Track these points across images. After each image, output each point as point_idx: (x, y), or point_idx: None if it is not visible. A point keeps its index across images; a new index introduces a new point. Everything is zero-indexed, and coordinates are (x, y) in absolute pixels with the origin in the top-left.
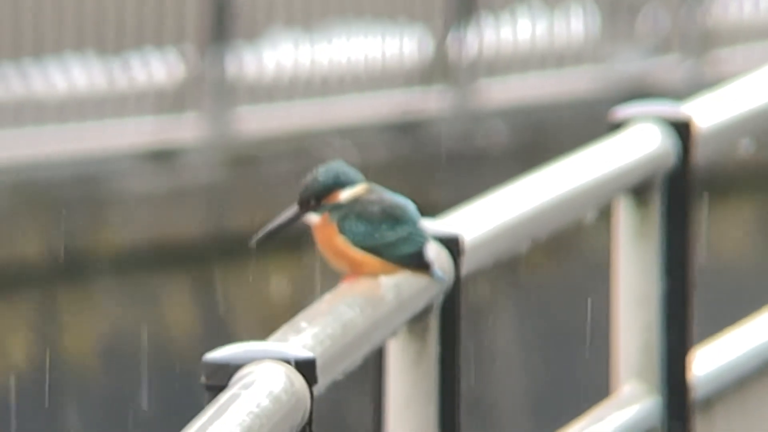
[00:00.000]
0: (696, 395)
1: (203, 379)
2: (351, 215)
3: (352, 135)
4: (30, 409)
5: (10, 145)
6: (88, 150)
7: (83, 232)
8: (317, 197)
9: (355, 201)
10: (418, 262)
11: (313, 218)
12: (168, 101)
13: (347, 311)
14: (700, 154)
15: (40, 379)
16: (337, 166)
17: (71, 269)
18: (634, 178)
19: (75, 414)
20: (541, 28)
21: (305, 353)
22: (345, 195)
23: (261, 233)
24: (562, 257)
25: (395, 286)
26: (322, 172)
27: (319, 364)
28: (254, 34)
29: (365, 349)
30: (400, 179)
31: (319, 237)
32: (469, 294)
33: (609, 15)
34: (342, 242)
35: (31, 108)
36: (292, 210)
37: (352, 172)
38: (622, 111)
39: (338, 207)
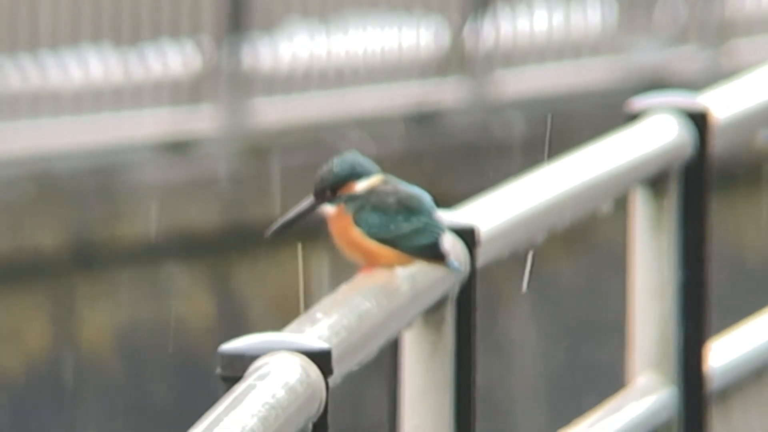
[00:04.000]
0: (712, 387)
1: (219, 370)
2: (366, 207)
3: (368, 126)
4: (46, 399)
5: (26, 136)
6: (105, 141)
7: (100, 223)
8: (332, 188)
9: (370, 192)
10: (433, 253)
11: (328, 209)
12: (184, 92)
13: (363, 302)
14: (717, 145)
15: (57, 370)
16: (352, 157)
17: (88, 260)
18: (650, 169)
19: (91, 404)
20: (557, 18)
21: (321, 344)
22: (360, 186)
23: (276, 225)
24: (579, 248)
25: (411, 278)
26: (337, 163)
27: (334, 355)
28: (270, 25)
29: (381, 340)
30: (416, 170)
31: (334, 228)
32: (485, 284)
33: (626, 5)
34: (357, 234)
35: (48, 99)
36: (308, 201)
37: (367, 164)
38: (639, 102)
39: (353, 198)
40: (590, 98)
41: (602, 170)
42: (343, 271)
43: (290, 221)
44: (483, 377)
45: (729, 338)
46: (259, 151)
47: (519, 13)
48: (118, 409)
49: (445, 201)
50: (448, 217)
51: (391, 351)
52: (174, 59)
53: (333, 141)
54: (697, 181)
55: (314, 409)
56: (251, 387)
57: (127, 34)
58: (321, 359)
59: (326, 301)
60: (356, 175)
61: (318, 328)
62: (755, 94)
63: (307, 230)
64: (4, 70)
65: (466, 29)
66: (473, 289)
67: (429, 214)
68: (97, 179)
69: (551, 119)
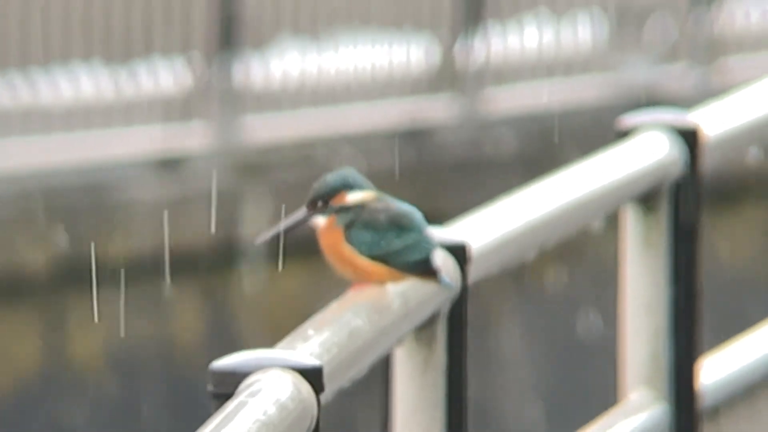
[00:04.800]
0: (703, 404)
1: (210, 387)
2: (357, 223)
3: (359, 143)
4: (36, 417)
5: (17, 153)
6: (95, 158)
7: (90, 241)
8: (324, 198)
9: (361, 209)
10: (425, 270)
11: (320, 221)
12: (175, 109)
13: (354, 319)
14: (708, 163)
15: (47, 387)
16: (346, 171)
17: (78, 277)
18: (641, 187)
19: (81, 422)
20: (548, 36)
21: (312, 361)
22: (352, 197)
23: (267, 233)
24: (570, 265)
25: (402, 294)
26: (330, 175)
27: (326, 371)
28: (261, 42)
29: (372, 356)
30: (407, 187)
31: (324, 242)
32: (476, 302)
33: (616, 23)
34: (348, 250)
35: (39, 116)
36: (300, 212)
37: (360, 178)
38: (630, 119)
39: (345, 210)
40: (581, 115)
41: (593, 187)
42: (335, 287)
43: (281, 231)
44: (475, 393)
45: (720, 355)
46: (250, 167)
47: (510, 30)
48: (108, 427)
49: (437, 218)
50: (439, 233)
51: (383, 368)
52: (165, 76)
53: (325, 158)
54: (688, 198)
55: (306, 427)
56: (243, 404)
57: (118, 51)
58: (312, 376)
59: (317, 318)
60: (348, 186)
61: (309, 345)
62: (745, 112)
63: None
64: None
65: (457, 46)
66: (464, 305)
67: (420, 231)
68: (88, 196)
69: (542, 136)
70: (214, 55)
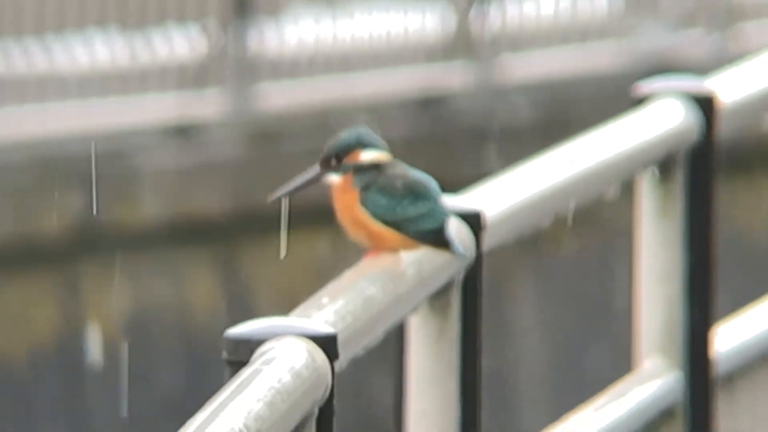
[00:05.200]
0: (718, 371)
1: (225, 355)
2: (373, 187)
3: (373, 111)
4: (53, 384)
5: (33, 121)
6: (111, 125)
7: (106, 208)
8: (338, 155)
9: (378, 172)
10: (439, 238)
11: (333, 178)
12: (190, 77)
13: (368, 287)
14: (724, 129)
15: (64, 354)
16: (360, 128)
17: (94, 245)
18: (657, 154)
19: (97, 388)
20: (564, 2)
21: (327, 329)
22: (366, 155)
23: (280, 191)
24: (585, 233)
25: (416, 262)
26: (345, 132)
27: (340, 339)
28: (276, 9)
29: (386, 324)
30: (422, 155)
31: (338, 203)
32: (490, 269)
33: None
34: (363, 214)
35: (54, 83)
36: (313, 169)
37: (375, 137)
38: (646, 86)
39: (361, 171)
40: (596, 82)
41: (608, 155)
42: (349, 254)
43: (295, 189)
44: (489, 362)
45: (735, 323)
46: (265, 135)
47: None
48: (124, 393)
49: (451, 186)
50: (453, 202)
51: (397, 336)
52: (180, 44)
53: (339, 125)
54: (704, 166)
55: (320, 394)
56: (257, 372)
57: (133, 18)
58: (327, 344)
59: (332, 286)
60: (363, 143)
61: (324, 312)
62: (762, 79)
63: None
64: (11, 55)
65: (472, 13)
66: (479, 274)
67: (435, 199)
68: (104, 164)
69: (558, 103)
70: (229, 22)
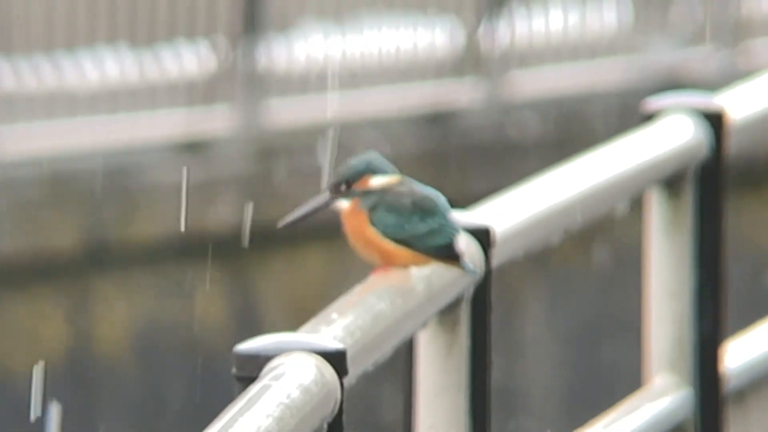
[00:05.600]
0: (728, 387)
1: (234, 370)
2: (381, 206)
3: (382, 127)
4: (61, 397)
5: (42, 137)
6: (120, 141)
7: (115, 224)
8: (348, 182)
9: (385, 191)
10: (448, 254)
11: (343, 204)
12: (199, 93)
13: (378, 303)
14: (733, 145)
15: (72, 368)
16: (370, 155)
17: (103, 260)
18: (666, 170)
19: (106, 403)
20: (573, 18)
21: (336, 344)
22: (376, 181)
23: (290, 217)
24: (594, 248)
25: (426, 278)
26: (354, 159)
27: (349, 355)
28: (285, 25)
29: (396, 340)
30: (431, 171)
31: (348, 225)
32: (500, 285)
33: (641, 5)
34: (372, 233)
35: (64, 100)
36: (323, 195)
37: (384, 162)
38: (655, 102)
39: (369, 194)
40: (606, 98)
41: (618, 170)
42: (358, 270)
43: (304, 215)
44: (498, 377)
45: (745, 339)
46: (273, 151)
47: (534, 13)
48: (132, 409)
49: (460, 202)
50: (462, 217)
51: (406, 351)
52: (189, 60)
53: (348, 141)
54: (713, 182)
55: (329, 410)
56: (266, 387)
57: (143, 34)
58: (336, 359)
59: (341, 301)
60: (372, 170)
61: (333, 328)
62: None
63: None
64: (20, 72)
65: (481, 29)
66: (488, 289)
67: (444, 215)
68: (113, 179)
69: (567, 120)
70: (239, 38)
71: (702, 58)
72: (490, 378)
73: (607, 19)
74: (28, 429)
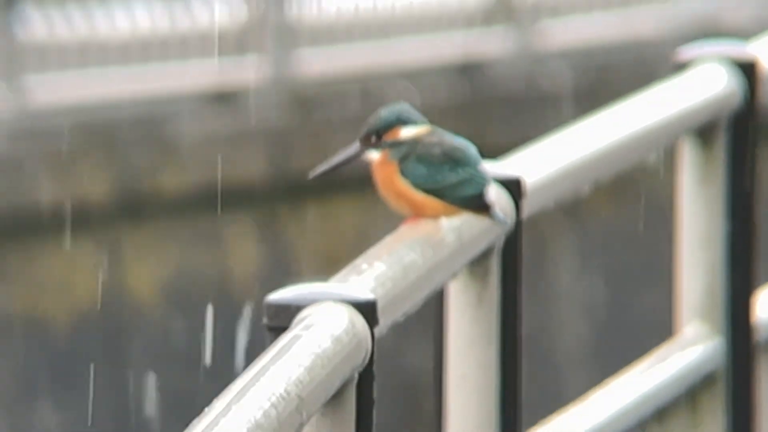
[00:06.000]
0: (759, 337)
1: (265, 320)
2: (412, 157)
3: (413, 77)
4: (95, 349)
5: (74, 86)
6: (151, 91)
7: (146, 173)
8: (378, 133)
9: (416, 142)
10: (479, 204)
11: (373, 155)
12: (230, 43)
13: (408, 253)
14: (767, 95)
15: (105, 319)
16: (400, 105)
17: (135, 210)
18: (698, 119)
19: (139, 354)
20: None
21: (366, 294)
22: (406, 132)
23: (321, 168)
24: (626, 199)
25: (456, 229)
26: (384, 110)
27: (380, 305)
28: None
29: (426, 290)
30: (462, 121)
31: (379, 176)
32: (530, 235)
33: None
34: (403, 184)
35: (96, 49)
36: (353, 146)
37: (415, 113)
38: (687, 51)
39: (399, 145)
40: (638, 48)
41: (649, 120)
42: (390, 220)
43: (335, 166)
44: (528, 327)
45: None
46: (304, 101)
47: None
48: (166, 359)
49: (491, 152)
50: (493, 168)
51: (437, 302)
52: (220, 10)
53: (379, 92)
54: (746, 131)
55: (360, 359)
56: (297, 337)
57: None
58: (367, 310)
59: (372, 252)
60: (402, 121)
61: (363, 278)
62: None
63: (355, 180)
64: (53, 21)
65: None
66: (519, 240)
67: (474, 166)
68: (144, 129)
69: (598, 70)
70: None
71: (736, 6)
72: (521, 329)
73: None
74: (64, 376)
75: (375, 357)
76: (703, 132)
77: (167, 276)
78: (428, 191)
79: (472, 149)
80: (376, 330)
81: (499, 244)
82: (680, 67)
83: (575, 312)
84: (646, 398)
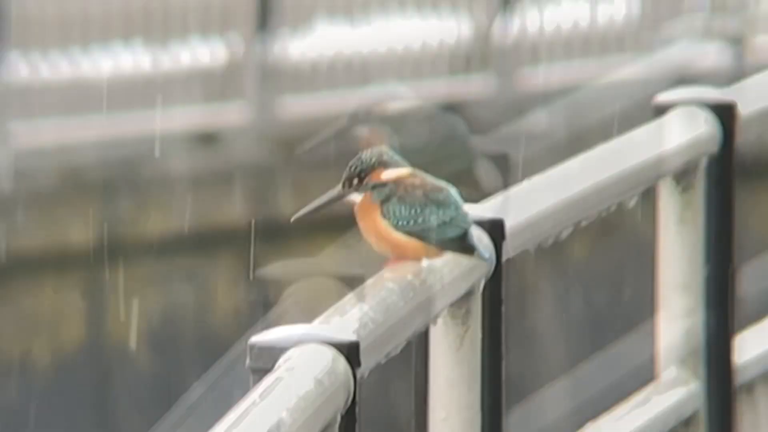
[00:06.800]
0: (738, 380)
1: (249, 362)
2: (393, 199)
3: (393, 121)
4: (79, 390)
5: (58, 129)
6: (135, 134)
7: (129, 215)
8: (360, 175)
9: (397, 184)
10: (461, 245)
11: (355, 197)
12: (213, 88)
13: (390, 295)
14: (743, 139)
15: (88, 360)
16: (381, 148)
17: (117, 252)
18: (677, 163)
19: (121, 395)
20: (584, 13)
21: (349, 336)
22: (388, 175)
23: (303, 210)
24: (605, 242)
25: (437, 271)
26: (366, 153)
27: (362, 347)
28: (298, 22)
29: (408, 332)
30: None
31: (361, 218)
32: (510, 277)
33: (651, 0)
34: (385, 226)
35: (79, 94)
36: (336, 189)
37: (396, 156)
38: (666, 96)
39: (381, 187)
40: (617, 92)
41: (629, 163)
42: (372, 262)
43: (317, 208)
44: (510, 369)
45: (755, 332)
46: (286, 144)
47: (545, 8)
48: (148, 400)
49: (471, 194)
50: (474, 210)
51: (419, 343)
52: (203, 55)
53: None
54: (724, 174)
55: (343, 401)
56: (280, 379)
57: (157, 30)
58: (349, 351)
59: (355, 294)
60: (384, 163)
61: (346, 320)
62: None
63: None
64: (36, 66)
65: (493, 25)
66: (500, 281)
67: (456, 208)
68: (127, 170)
69: (575, 114)
70: (252, 34)
71: (712, 53)
72: (504, 370)
73: (618, 14)
74: (49, 416)
75: (358, 399)
76: (682, 175)
77: (150, 318)
78: (410, 233)
79: (453, 191)
80: (359, 372)
81: (480, 285)
82: (659, 111)
83: (557, 353)
84: None
